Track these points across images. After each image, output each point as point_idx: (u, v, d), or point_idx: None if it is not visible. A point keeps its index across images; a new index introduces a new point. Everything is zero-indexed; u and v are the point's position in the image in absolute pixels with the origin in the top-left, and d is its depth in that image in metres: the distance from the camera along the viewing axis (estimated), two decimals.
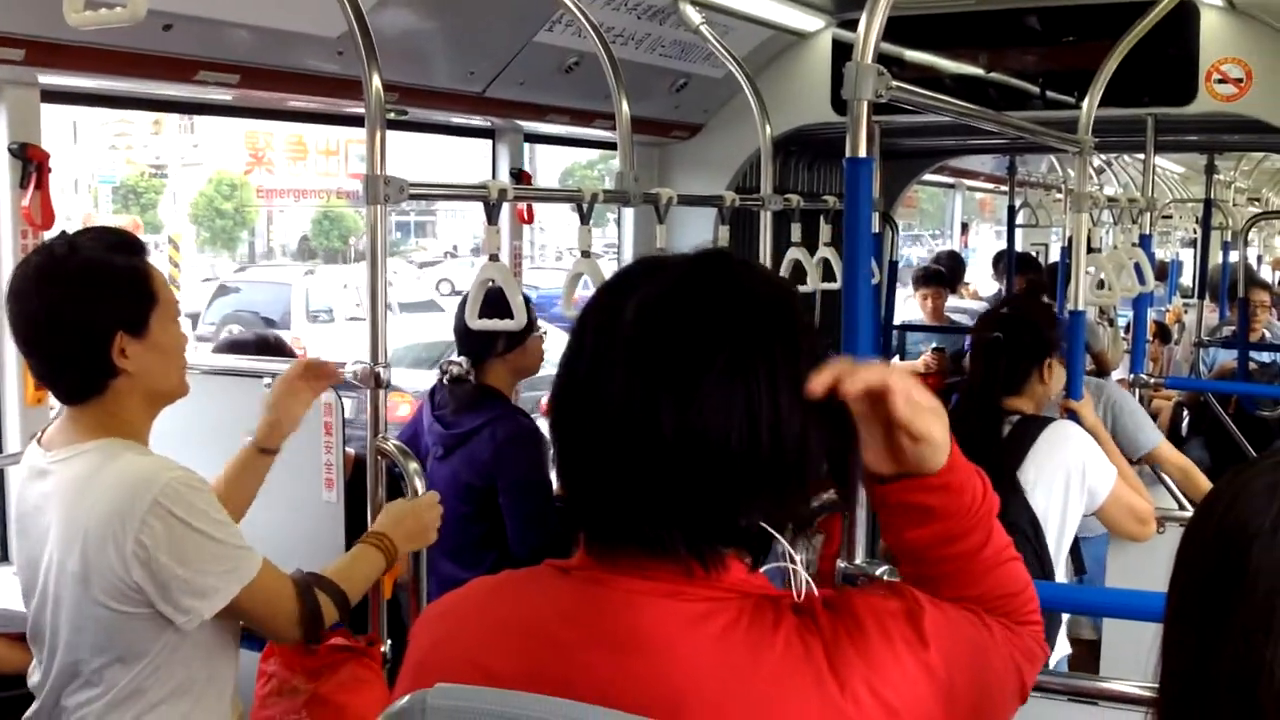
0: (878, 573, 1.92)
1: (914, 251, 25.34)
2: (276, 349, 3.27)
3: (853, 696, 1.10)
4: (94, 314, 2.10)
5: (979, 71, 4.67)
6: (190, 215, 30.59)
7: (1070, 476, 3.09)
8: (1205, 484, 3.48)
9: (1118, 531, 3.24)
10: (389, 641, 2.54)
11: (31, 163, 2.87)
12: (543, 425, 3.25)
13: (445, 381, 3.45)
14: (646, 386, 1.13)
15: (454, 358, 3.45)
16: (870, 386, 1.16)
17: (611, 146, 4.14)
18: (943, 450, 1.21)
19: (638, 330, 1.15)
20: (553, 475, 3.44)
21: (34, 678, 2.20)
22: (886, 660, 1.12)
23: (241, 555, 2.10)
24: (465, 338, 3.40)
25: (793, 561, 1.18)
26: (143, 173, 29.94)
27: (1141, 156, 4.83)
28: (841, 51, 4.69)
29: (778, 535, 1.18)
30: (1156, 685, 1.08)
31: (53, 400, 3.01)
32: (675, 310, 1.16)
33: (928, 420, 1.19)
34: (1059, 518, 3.07)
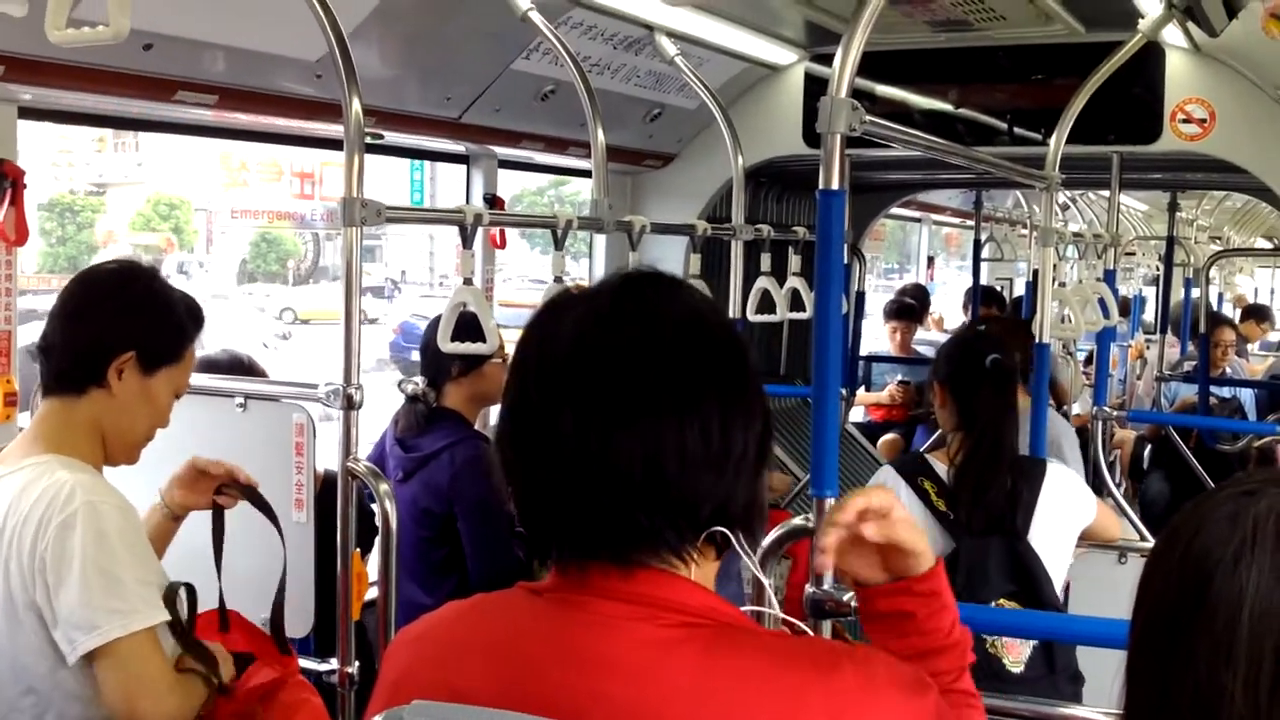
0: (845, 598, 1.94)
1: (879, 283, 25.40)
2: (248, 369, 3.27)
3: None
4: (129, 322, 2.17)
5: (948, 107, 4.73)
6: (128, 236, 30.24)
7: (1070, 528, 3.12)
8: (1117, 525, 3.47)
9: (1105, 537, 3.26)
10: (356, 663, 2.54)
11: (7, 179, 2.86)
12: None
13: (404, 402, 3.46)
14: (598, 418, 1.15)
15: (413, 377, 3.47)
16: (871, 508, 1.28)
17: (584, 174, 4.17)
18: (925, 559, 1.33)
19: (578, 358, 1.18)
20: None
21: None
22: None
23: (141, 601, 2.02)
24: (425, 359, 3.43)
25: (769, 588, 1.21)
26: (71, 191, 29.36)
27: (1106, 193, 4.90)
28: (814, 85, 4.74)
29: (744, 554, 1.20)
30: (1121, 713, 1.10)
31: (21, 418, 3.01)
32: (612, 334, 1.18)
33: (915, 535, 1.32)
34: (1062, 563, 3.09)
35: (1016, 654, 2.96)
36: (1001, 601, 2.96)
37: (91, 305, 2.19)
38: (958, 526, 3.04)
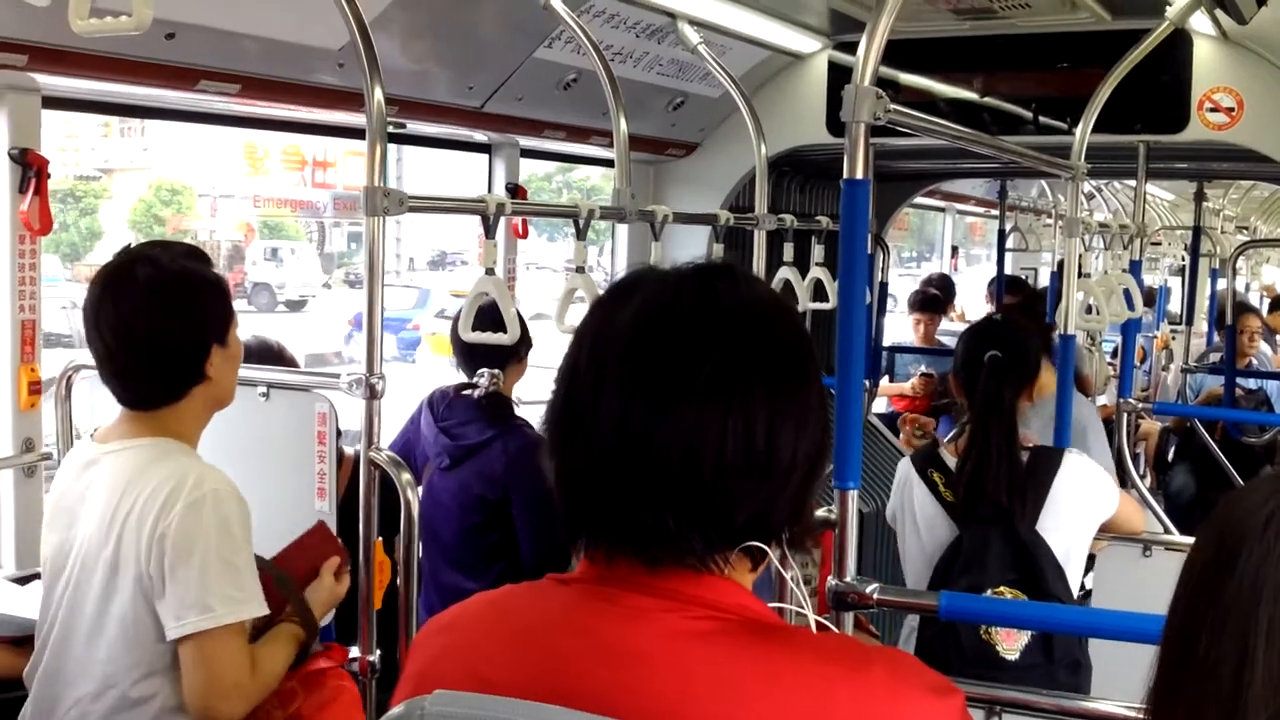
0: (868, 590, 1.93)
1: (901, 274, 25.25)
2: (278, 356, 3.27)
3: None
4: (197, 327, 2.19)
5: (973, 96, 4.71)
6: (129, 222, 29.75)
7: (1088, 518, 3.11)
8: (1140, 517, 3.45)
9: (1128, 529, 3.24)
10: (378, 652, 2.55)
11: (31, 168, 2.88)
12: None
13: (466, 393, 3.45)
14: (641, 397, 1.13)
15: (489, 370, 3.44)
16: None
17: (606, 163, 4.16)
18: None
19: (633, 340, 1.16)
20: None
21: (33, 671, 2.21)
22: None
23: (252, 591, 2.10)
24: (472, 352, 3.42)
25: (794, 580, 1.20)
26: (78, 177, 28.82)
27: (1132, 183, 4.86)
28: (837, 73, 4.72)
29: (768, 550, 1.19)
30: (1144, 706, 1.10)
31: (45, 405, 3.02)
32: (670, 321, 1.16)
33: None
34: (1080, 553, 3.08)
35: (1012, 642, 2.96)
36: (1001, 589, 2.97)
37: (153, 329, 2.15)
38: (963, 515, 3.06)
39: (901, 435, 5.31)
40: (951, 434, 4.04)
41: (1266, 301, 10.10)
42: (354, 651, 2.54)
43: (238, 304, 2.39)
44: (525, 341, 3.41)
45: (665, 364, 1.14)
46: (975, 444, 3.11)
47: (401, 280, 25.46)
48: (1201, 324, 8.21)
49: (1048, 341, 3.78)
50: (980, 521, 3.05)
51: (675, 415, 1.12)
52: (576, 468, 1.19)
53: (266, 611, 2.14)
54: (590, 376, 1.18)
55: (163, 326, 2.15)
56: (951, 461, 3.16)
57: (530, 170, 4.34)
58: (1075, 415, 3.97)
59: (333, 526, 2.68)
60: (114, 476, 2.13)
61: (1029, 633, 2.98)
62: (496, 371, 3.42)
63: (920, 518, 3.17)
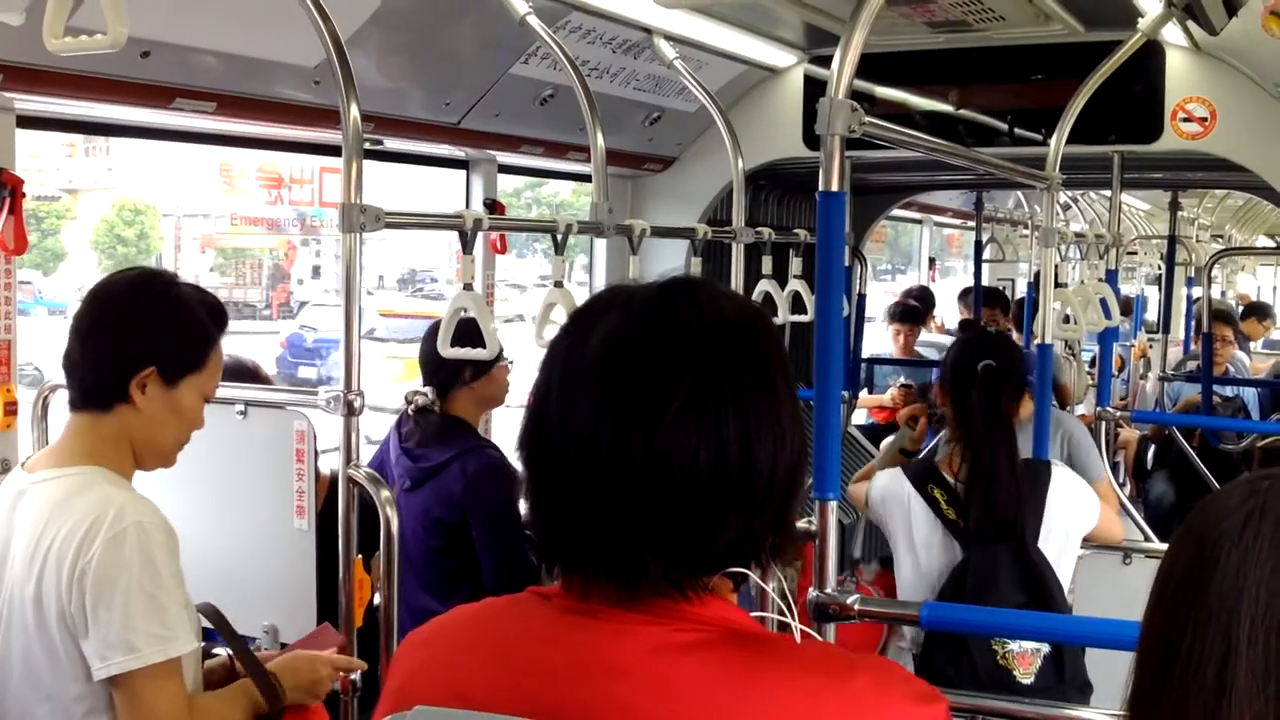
0: (849, 601, 1.94)
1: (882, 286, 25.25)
2: (253, 374, 3.26)
3: None
4: (146, 337, 2.15)
5: (948, 108, 4.73)
6: (91, 242, 29.48)
7: (1076, 531, 3.11)
8: (1119, 527, 3.45)
9: (1107, 539, 3.24)
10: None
11: (5, 188, 2.86)
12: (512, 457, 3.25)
13: (410, 412, 3.44)
14: (611, 416, 1.13)
15: (419, 388, 3.45)
16: None
17: (583, 178, 4.17)
18: None
19: (603, 361, 1.16)
20: (523, 506, 3.44)
21: None
22: None
23: (179, 628, 2.02)
24: (432, 367, 3.40)
25: (778, 594, 1.20)
26: (37, 197, 28.62)
27: (1108, 193, 4.88)
28: (813, 87, 4.74)
29: (749, 573, 1.18)
30: (1124, 713, 1.11)
31: (21, 425, 3.01)
32: (639, 339, 1.16)
33: None
34: (1069, 566, 3.09)
35: (1027, 665, 2.94)
36: None
37: (106, 320, 2.17)
38: (967, 535, 3.02)
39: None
40: (932, 444, 4.04)
41: (1240, 309, 10.17)
42: None
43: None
44: (480, 364, 3.35)
45: (633, 384, 1.14)
46: (982, 458, 3.05)
47: (333, 301, 25.27)
48: (1178, 332, 8.25)
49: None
50: (987, 540, 3.00)
51: (644, 435, 1.12)
52: (548, 489, 1.19)
53: (195, 648, 2.06)
54: (560, 397, 1.18)
55: (110, 324, 2.16)
56: (950, 477, 3.11)
57: (500, 186, 4.32)
58: (1067, 428, 4.00)
59: (313, 548, 2.67)
60: (39, 509, 2.07)
61: (1043, 655, 2.94)
62: (426, 390, 3.42)
63: (918, 537, 3.10)
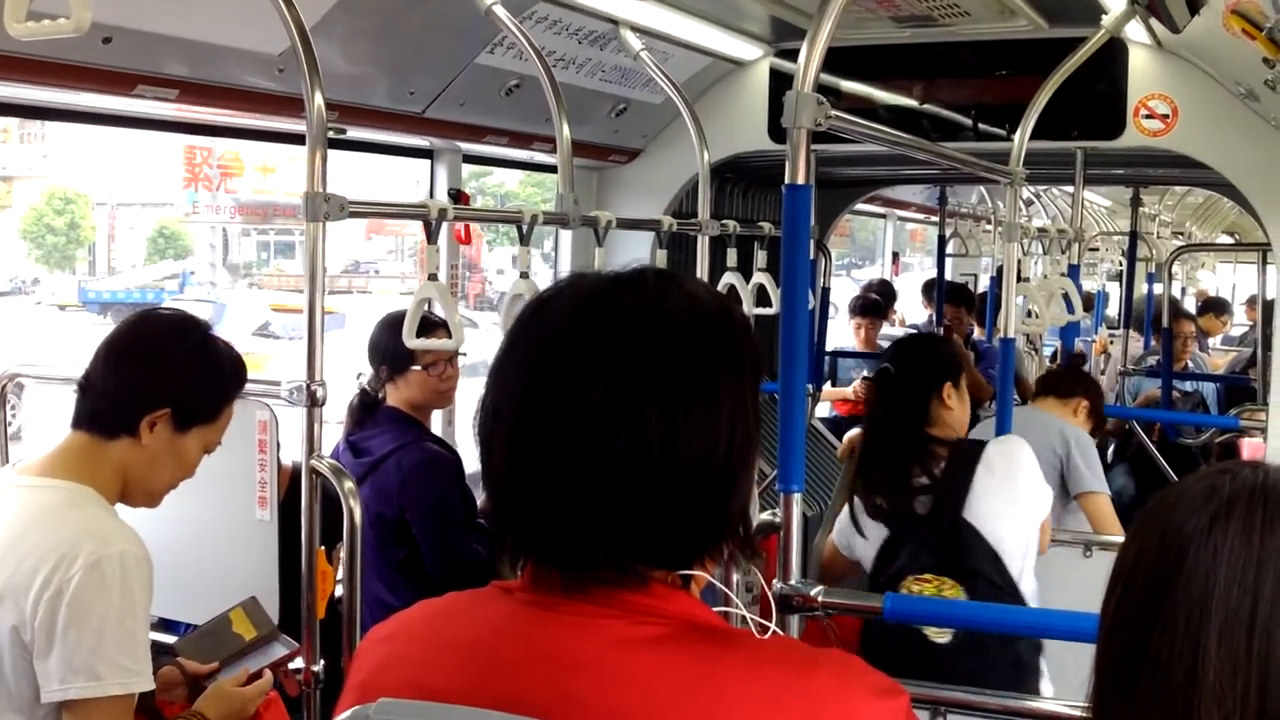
0: (812, 593, 1.94)
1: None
2: None
3: None
4: (170, 379, 2.17)
5: (913, 103, 4.75)
6: (20, 231, 28.94)
7: (1021, 508, 3.06)
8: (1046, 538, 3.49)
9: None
10: (322, 662, 2.53)
11: None
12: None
13: (354, 401, 3.48)
14: (536, 397, 1.14)
15: (361, 374, 3.49)
16: None
17: (549, 169, 4.15)
18: None
19: (536, 343, 1.17)
20: (479, 495, 3.44)
21: None
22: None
23: (144, 665, 2.01)
24: (377, 356, 3.47)
25: (736, 590, 1.20)
26: None
27: (1070, 189, 4.91)
28: (779, 81, 4.74)
29: (706, 574, 1.18)
30: (1088, 705, 1.12)
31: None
32: (573, 325, 1.16)
33: None
34: (1024, 538, 3.04)
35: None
36: (926, 577, 2.95)
37: (136, 354, 2.18)
38: (888, 514, 3.12)
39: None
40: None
41: (1198, 305, 10.27)
42: (298, 662, 2.52)
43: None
44: (412, 359, 3.39)
45: (560, 368, 1.14)
46: (873, 447, 3.25)
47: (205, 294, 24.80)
48: (1139, 327, 8.32)
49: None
50: (905, 516, 3.08)
51: (565, 418, 1.12)
52: (489, 474, 1.19)
53: (150, 687, 2.04)
54: (496, 380, 1.19)
55: (141, 356, 2.17)
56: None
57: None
58: (1060, 429, 4.01)
59: (275, 539, 2.65)
60: (21, 513, 2.05)
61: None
62: (361, 373, 3.47)
63: (868, 535, 3.17)
